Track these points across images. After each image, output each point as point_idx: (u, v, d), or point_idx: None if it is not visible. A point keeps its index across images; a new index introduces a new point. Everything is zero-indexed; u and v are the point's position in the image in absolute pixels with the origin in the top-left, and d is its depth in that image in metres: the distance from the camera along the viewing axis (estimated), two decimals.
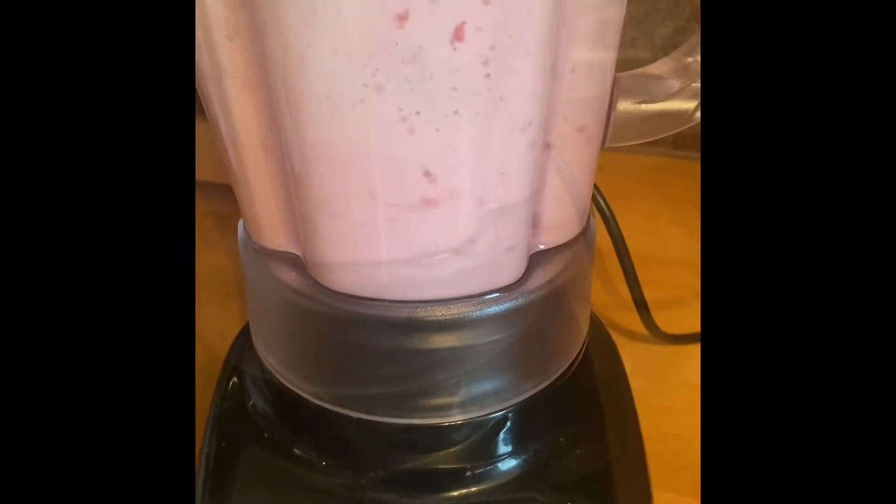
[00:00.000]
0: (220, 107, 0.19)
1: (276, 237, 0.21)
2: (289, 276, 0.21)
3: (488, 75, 0.16)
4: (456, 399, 0.21)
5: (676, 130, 0.21)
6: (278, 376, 0.23)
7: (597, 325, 0.28)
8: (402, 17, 0.15)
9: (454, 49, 0.16)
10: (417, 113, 0.16)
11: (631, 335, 0.36)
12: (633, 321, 0.35)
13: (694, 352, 0.35)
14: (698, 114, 0.21)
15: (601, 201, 0.33)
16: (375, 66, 0.16)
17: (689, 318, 0.37)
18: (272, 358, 0.23)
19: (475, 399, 0.21)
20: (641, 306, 0.34)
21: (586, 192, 0.22)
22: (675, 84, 0.21)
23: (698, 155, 0.51)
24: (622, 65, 0.20)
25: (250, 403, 0.24)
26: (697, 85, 0.21)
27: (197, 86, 0.19)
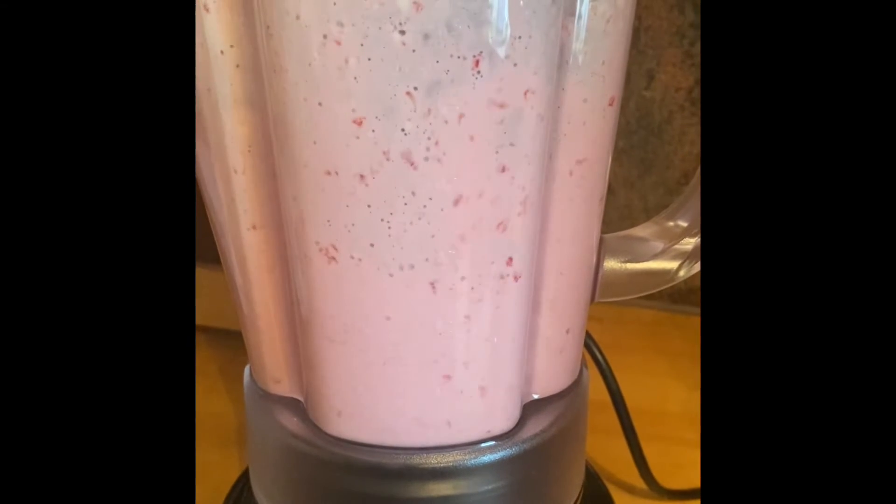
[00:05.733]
0: (236, 259, 0.21)
1: (281, 383, 0.22)
2: (290, 421, 0.22)
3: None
4: None
5: (660, 288, 0.23)
6: None
7: (593, 478, 0.28)
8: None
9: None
10: (412, 267, 0.18)
11: (630, 490, 0.36)
12: (633, 475, 0.35)
13: None
14: (682, 272, 0.23)
15: (598, 354, 0.34)
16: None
17: (689, 473, 0.36)
18: (271, 503, 0.23)
19: None
20: (640, 461, 0.34)
21: (577, 343, 0.23)
22: (659, 245, 0.23)
23: (696, 309, 0.52)
24: (619, 225, 0.22)
25: None
26: (679, 246, 0.23)
27: (215, 238, 0.21)
